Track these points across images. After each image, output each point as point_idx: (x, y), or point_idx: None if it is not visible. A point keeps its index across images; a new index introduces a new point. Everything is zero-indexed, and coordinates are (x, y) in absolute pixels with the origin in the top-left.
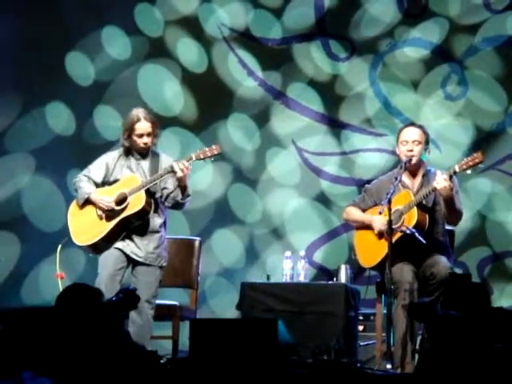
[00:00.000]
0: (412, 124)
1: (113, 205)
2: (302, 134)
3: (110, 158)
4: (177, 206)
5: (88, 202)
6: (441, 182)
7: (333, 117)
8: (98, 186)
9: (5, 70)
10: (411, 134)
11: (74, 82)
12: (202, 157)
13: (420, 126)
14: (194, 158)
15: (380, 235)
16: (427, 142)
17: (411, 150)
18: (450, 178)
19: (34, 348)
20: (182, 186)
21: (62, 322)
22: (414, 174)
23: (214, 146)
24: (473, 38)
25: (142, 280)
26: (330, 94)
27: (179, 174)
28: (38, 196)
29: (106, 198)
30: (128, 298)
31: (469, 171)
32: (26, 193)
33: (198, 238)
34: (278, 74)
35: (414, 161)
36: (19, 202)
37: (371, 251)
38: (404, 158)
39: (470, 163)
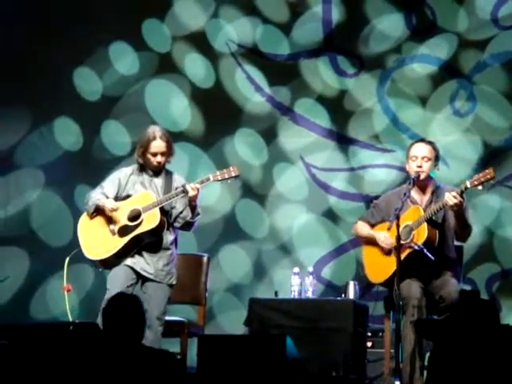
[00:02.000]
0: (422, 140)
1: (125, 220)
2: (309, 150)
3: (123, 173)
4: (186, 226)
5: (99, 213)
6: (452, 198)
7: (341, 132)
8: None
9: (13, 86)
10: (421, 150)
11: (82, 97)
12: (220, 178)
13: (430, 143)
14: (211, 179)
15: (389, 251)
16: (437, 158)
17: (420, 166)
18: (461, 193)
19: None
20: (192, 205)
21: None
22: (423, 190)
23: (231, 168)
24: (481, 54)
25: (152, 296)
26: (338, 109)
27: (191, 193)
28: (46, 211)
29: (116, 210)
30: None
31: (480, 187)
32: (34, 208)
33: (205, 254)
34: (285, 89)
35: (422, 177)
36: (28, 218)
37: (380, 267)
38: (413, 174)
39: (482, 179)
